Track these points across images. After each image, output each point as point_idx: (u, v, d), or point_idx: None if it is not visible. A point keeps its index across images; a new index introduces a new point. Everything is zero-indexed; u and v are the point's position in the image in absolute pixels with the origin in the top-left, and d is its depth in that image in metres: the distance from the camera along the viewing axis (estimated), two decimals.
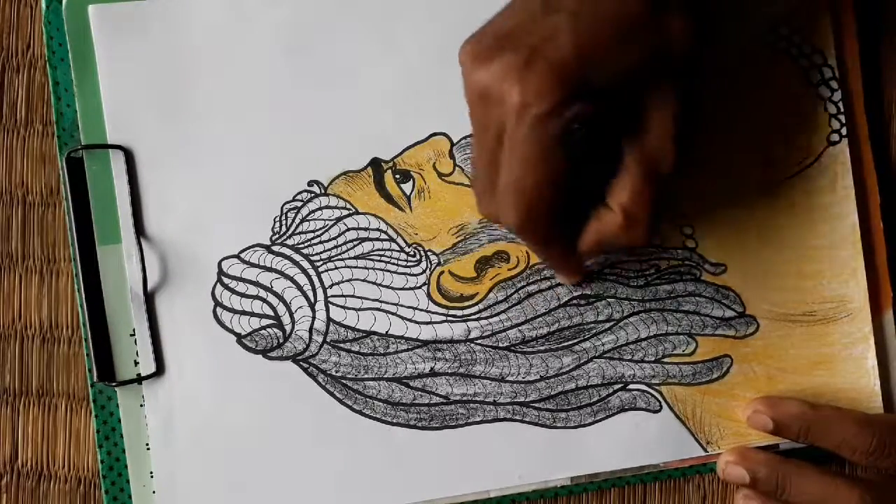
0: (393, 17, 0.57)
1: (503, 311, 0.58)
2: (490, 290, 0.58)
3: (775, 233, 0.59)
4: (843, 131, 0.59)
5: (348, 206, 0.57)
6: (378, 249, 0.57)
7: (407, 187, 0.57)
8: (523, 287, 0.58)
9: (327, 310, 0.57)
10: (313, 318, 0.57)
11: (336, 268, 0.57)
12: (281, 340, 0.57)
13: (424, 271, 0.58)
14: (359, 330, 0.57)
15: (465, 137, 0.57)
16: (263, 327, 0.57)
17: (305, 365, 0.57)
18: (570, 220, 0.51)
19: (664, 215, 0.55)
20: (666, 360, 0.59)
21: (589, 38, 0.46)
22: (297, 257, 0.57)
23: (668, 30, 0.47)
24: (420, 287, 0.58)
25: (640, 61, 0.47)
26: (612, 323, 0.59)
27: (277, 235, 0.57)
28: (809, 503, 0.55)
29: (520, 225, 0.49)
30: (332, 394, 0.57)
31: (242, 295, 0.57)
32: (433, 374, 0.58)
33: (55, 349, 0.58)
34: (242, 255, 0.57)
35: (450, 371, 0.58)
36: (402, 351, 0.58)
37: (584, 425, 0.59)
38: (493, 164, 0.48)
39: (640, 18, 0.46)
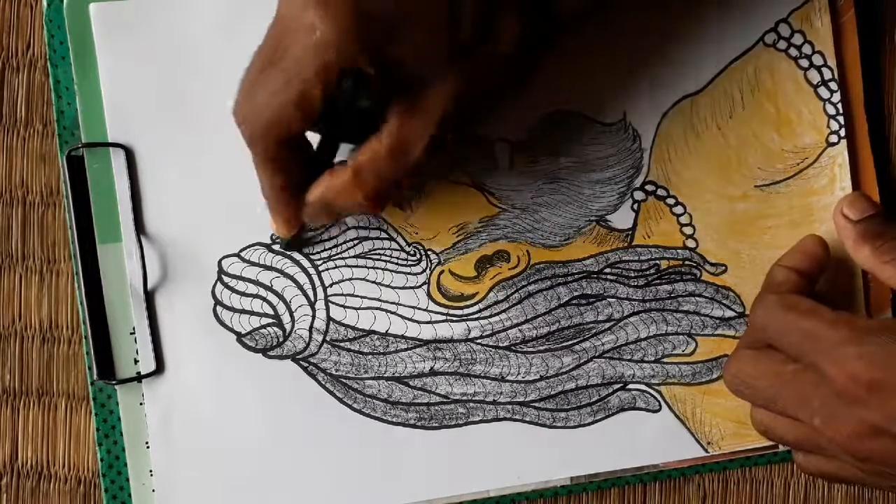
0: None
1: (503, 311, 0.58)
2: (490, 290, 0.58)
3: (775, 233, 0.59)
4: (843, 132, 0.59)
5: None
6: (378, 248, 0.57)
7: None
8: (523, 287, 0.58)
9: (327, 309, 0.57)
10: (313, 316, 0.57)
11: (336, 267, 0.57)
12: (281, 339, 0.57)
13: (424, 270, 0.58)
14: (359, 329, 0.57)
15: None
16: (263, 326, 0.57)
17: (305, 364, 0.57)
18: (312, 172, 0.51)
19: (400, 197, 0.54)
20: (666, 360, 0.59)
21: (412, 8, 0.45)
22: (297, 256, 0.57)
23: (495, 35, 0.47)
24: (420, 286, 0.58)
25: (448, 53, 0.46)
26: (612, 323, 0.59)
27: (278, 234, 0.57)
28: None
29: (252, 131, 0.48)
30: (331, 393, 0.57)
31: (242, 294, 0.57)
32: (433, 373, 0.58)
33: (55, 349, 0.58)
34: (243, 254, 0.57)
35: (450, 370, 0.58)
36: (401, 350, 0.58)
37: (584, 425, 0.59)
38: (266, 68, 0.47)
39: (469, 13, 0.46)
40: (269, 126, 0.47)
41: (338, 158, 0.52)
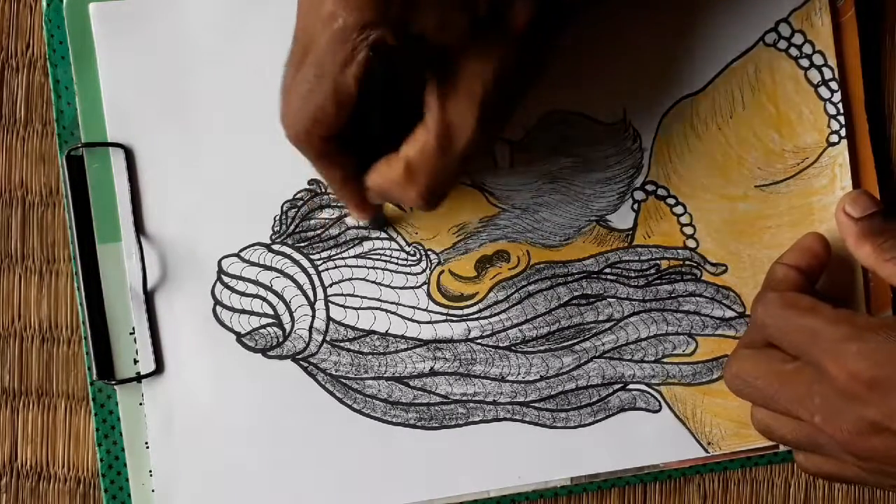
0: None
1: (503, 311, 0.58)
2: (490, 290, 0.58)
3: (775, 233, 0.59)
4: (843, 132, 0.59)
5: None
6: (378, 248, 0.57)
7: None
8: (524, 287, 0.58)
9: (327, 309, 0.57)
10: (313, 317, 0.57)
11: (336, 267, 0.57)
12: (280, 339, 0.57)
13: (424, 270, 0.58)
14: (358, 329, 0.57)
15: None
16: (263, 326, 0.57)
17: (305, 364, 0.57)
18: (370, 154, 0.50)
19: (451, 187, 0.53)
20: (666, 360, 0.59)
21: None
22: (297, 256, 0.57)
23: (509, 10, 0.46)
24: (420, 286, 0.58)
25: (468, 27, 0.46)
26: (612, 323, 0.59)
27: (277, 234, 0.57)
28: None
29: (296, 132, 0.48)
30: (331, 393, 0.57)
31: (242, 294, 0.57)
32: (433, 373, 0.58)
33: (55, 349, 0.58)
34: (242, 254, 0.57)
35: (450, 371, 0.58)
36: (401, 350, 0.58)
37: (584, 425, 0.58)
38: (297, 72, 0.47)
39: None
40: (311, 125, 0.47)
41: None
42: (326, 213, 0.57)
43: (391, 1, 0.44)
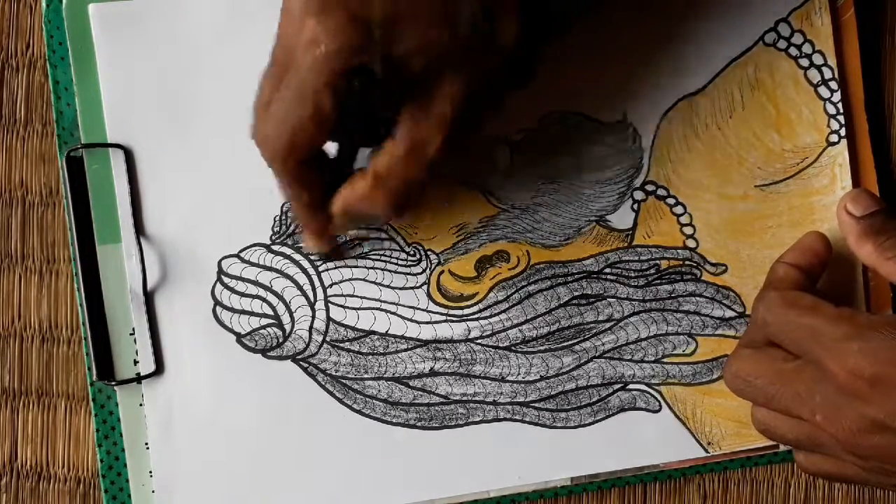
0: None
1: (503, 311, 0.58)
2: (490, 290, 0.58)
3: (775, 233, 0.59)
4: (843, 132, 0.59)
5: None
6: (378, 249, 0.57)
7: None
8: (523, 287, 0.58)
9: (327, 309, 0.57)
10: (313, 317, 0.57)
11: (336, 267, 0.57)
12: (280, 340, 0.57)
13: (424, 271, 0.58)
14: (359, 329, 0.57)
15: None
16: (263, 327, 0.57)
17: (305, 364, 0.57)
18: (337, 185, 0.51)
19: (419, 199, 0.53)
20: (666, 360, 0.59)
21: (408, 4, 0.45)
22: (296, 256, 0.57)
23: (494, 32, 0.47)
24: (420, 286, 0.58)
25: (450, 50, 0.46)
26: (612, 323, 0.59)
27: (277, 235, 0.57)
28: None
29: (273, 153, 0.48)
30: (331, 393, 0.57)
31: (242, 294, 0.57)
32: (433, 373, 0.58)
33: (55, 349, 0.58)
34: (242, 255, 0.57)
35: (450, 371, 0.58)
36: (401, 350, 0.58)
37: (584, 425, 0.58)
38: (277, 89, 0.47)
39: (468, 10, 0.46)
40: (289, 146, 0.47)
41: (357, 165, 0.52)
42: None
43: (373, 27, 0.45)
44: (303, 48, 0.45)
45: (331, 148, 0.51)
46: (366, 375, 0.57)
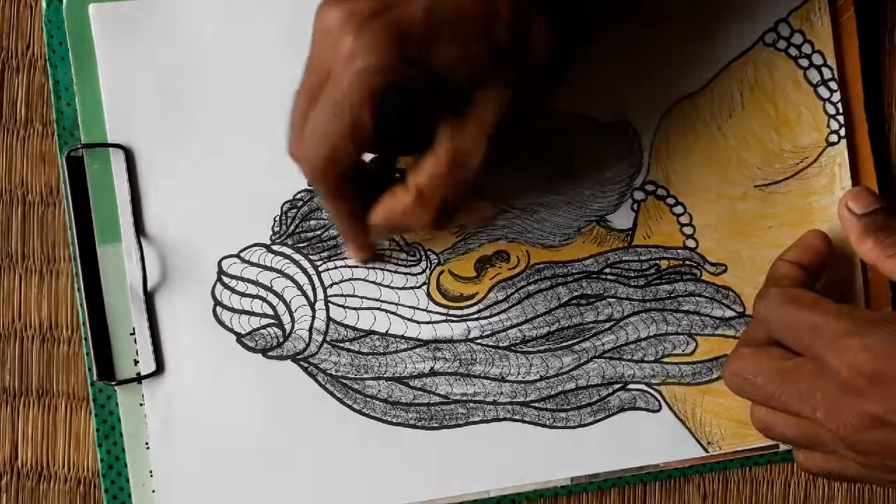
0: None
1: (503, 311, 0.58)
2: (490, 290, 0.58)
3: (775, 233, 0.59)
4: (843, 132, 0.59)
5: None
6: (378, 249, 0.57)
7: None
8: (523, 287, 0.58)
9: (327, 309, 0.57)
10: (313, 317, 0.57)
11: (336, 267, 0.57)
12: (281, 340, 0.57)
13: (424, 271, 0.58)
14: (359, 329, 0.57)
15: None
16: (263, 326, 0.57)
17: (305, 364, 0.57)
18: (374, 192, 0.51)
19: (464, 214, 0.54)
20: (666, 359, 0.59)
21: (444, 17, 0.45)
22: (297, 256, 0.57)
23: (529, 40, 0.47)
24: (420, 286, 0.58)
25: (489, 59, 0.46)
26: (612, 323, 0.59)
27: (277, 235, 0.57)
28: None
29: (313, 168, 0.49)
30: (331, 393, 0.57)
31: (242, 294, 0.57)
32: (433, 373, 0.58)
33: (55, 349, 0.58)
34: (242, 255, 0.57)
35: (450, 371, 0.58)
36: (401, 350, 0.58)
37: (584, 425, 0.58)
38: (313, 103, 0.48)
39: (503, 19, 0.46)
40: (329, 161, 0.48)
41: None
42: (326, 214, 0.57)
43: (411, 40, 0.45)
44: (341, 64, 0.45)
45: (366, 155, 0.51)
46: (366, 375, 0.57)
